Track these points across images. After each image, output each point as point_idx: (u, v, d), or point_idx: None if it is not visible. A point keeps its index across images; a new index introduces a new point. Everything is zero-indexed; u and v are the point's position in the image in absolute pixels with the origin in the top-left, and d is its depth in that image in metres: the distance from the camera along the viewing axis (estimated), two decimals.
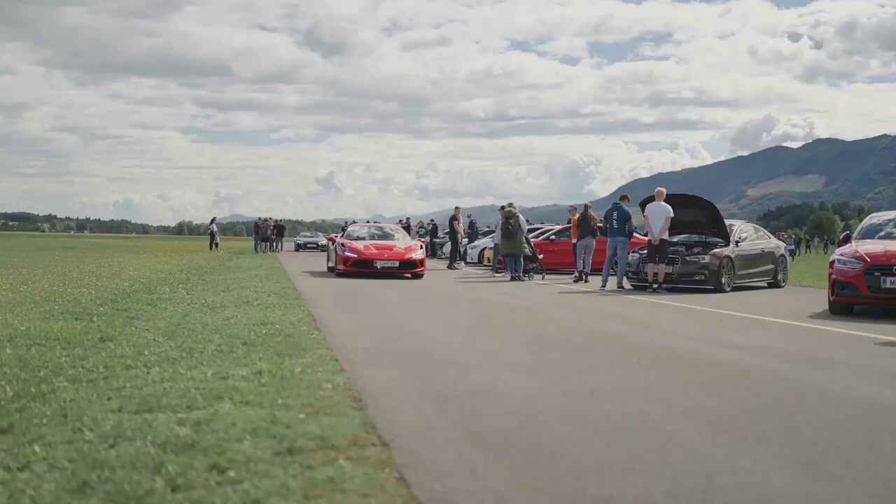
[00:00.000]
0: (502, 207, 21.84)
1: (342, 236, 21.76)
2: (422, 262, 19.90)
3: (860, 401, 5.33)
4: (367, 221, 41.63)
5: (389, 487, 3.37)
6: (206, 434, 4.02)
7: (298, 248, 51.73)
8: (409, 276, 19.68)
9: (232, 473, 3.46)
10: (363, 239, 21.22)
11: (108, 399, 4.83)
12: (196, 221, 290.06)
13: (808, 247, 74.17)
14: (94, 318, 8.86)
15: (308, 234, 63.88)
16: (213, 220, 46.54)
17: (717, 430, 4.44)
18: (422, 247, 21.02)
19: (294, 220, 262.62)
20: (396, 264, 19.41)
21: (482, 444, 4.09)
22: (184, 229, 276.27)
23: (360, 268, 19.33)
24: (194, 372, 5.72)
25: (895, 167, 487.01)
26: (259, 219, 43.68)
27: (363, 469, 3.58)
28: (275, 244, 44.20)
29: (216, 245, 43.80)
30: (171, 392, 5.02)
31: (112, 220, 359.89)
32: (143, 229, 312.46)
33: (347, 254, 19.66)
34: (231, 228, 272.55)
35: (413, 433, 4.26)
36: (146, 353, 6.54)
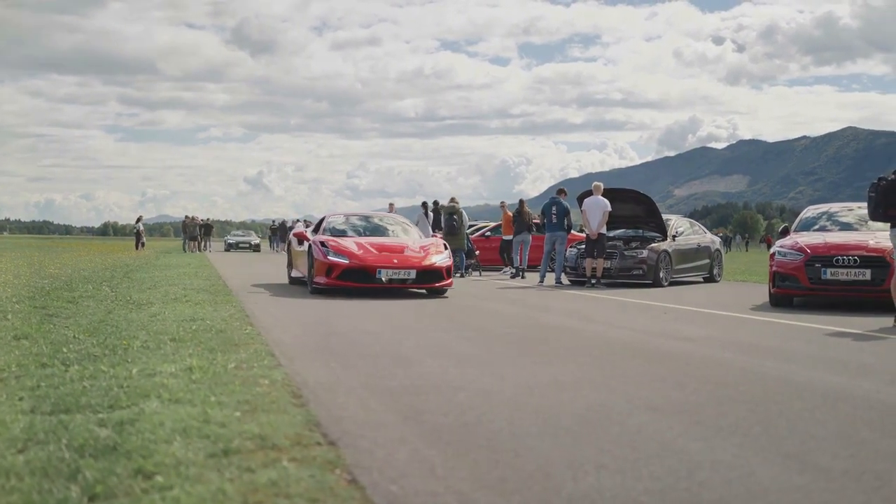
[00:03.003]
0: (423, 204, 21.59)
1: (318, 231, 14.62)
2: (448, 272, 13.32)
3: (826, 390, 5.12)
4: (304, 219, 35.04)
5: (341, 491, 2.99)
6: (130, 435, 3.59)
7: (230, 247, 49.54)
8: (423, 291, 13.42)
9: (160, 479, 3.04)
10: (346, 234, 14.30)
11: (20, 399, 4.35)
12: (122, 222, 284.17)
13: (728, 245, 75.37)
14: (9, 316, 8.26)
15: (240, 233, 61.92)
16: (139, 220, 45.36)
17: (686, 422, 4.16)
18: (446, 247, 13.96)
19: (223, 220, 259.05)
20: (412, 275, 12.79)
21: (438, 441, 3.74)
22: (109, 230, 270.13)
23: (355, 281, 12.74)
24: (118, 369, 5.25)
25: (814, 168, 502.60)
26: (186, 217, 42.69)
27: (309, 471, 3.19)
28: (202, 244, 43.18)
29: (142, 244, 42.77)
30: (91, 391, 4.55)
31: (33, 221, 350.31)
32: (66, 230, 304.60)
33: (334, 259, 12.79)
34: (158, 229, 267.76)
35: (362, 430, 3.89)
36: (64, 350, 6.04)
